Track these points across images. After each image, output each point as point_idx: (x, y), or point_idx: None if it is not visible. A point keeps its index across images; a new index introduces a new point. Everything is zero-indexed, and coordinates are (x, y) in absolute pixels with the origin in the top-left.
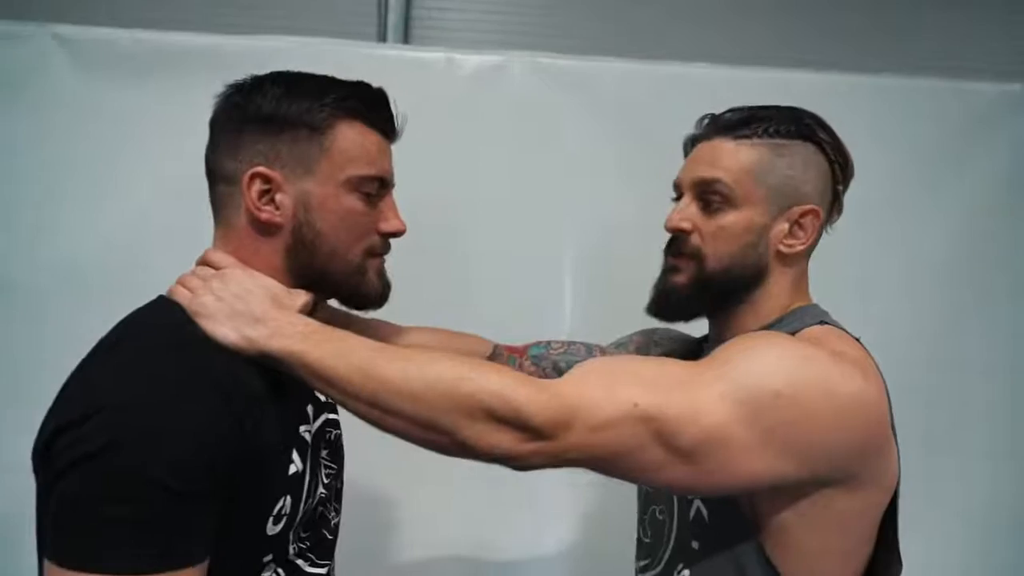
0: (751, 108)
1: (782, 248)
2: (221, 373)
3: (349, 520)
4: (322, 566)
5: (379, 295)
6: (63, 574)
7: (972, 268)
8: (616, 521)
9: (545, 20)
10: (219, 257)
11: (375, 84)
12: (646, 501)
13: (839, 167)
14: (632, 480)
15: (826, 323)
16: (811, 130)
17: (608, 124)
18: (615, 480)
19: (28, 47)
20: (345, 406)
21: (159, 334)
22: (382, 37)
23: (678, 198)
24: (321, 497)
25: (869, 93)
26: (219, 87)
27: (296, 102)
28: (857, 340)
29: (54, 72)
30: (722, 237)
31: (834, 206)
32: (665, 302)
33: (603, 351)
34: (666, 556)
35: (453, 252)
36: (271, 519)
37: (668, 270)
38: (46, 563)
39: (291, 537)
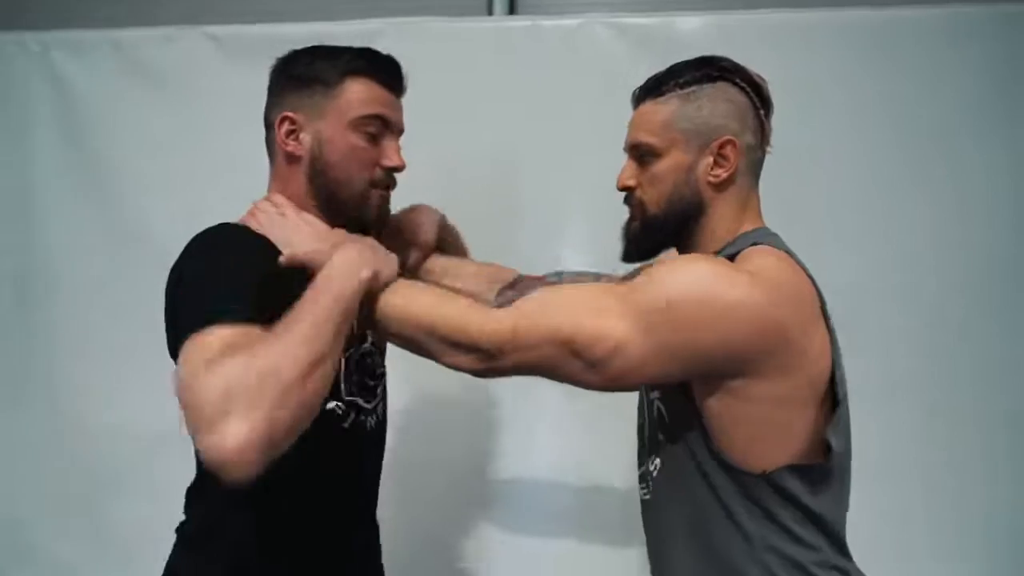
0: (665, 70)
1: (711, 179)
2: (267, 245)
3: None
4: (371, 404)
5: (376, 221)
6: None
7: None
8: None
9: None
10: (279, 199)
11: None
12: (638, 413)
13: (755, 96)
14: (563, 382)
15: (759, 243)
16: (718, 71)
17: None
18: None
19: (183, 45)
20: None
21: (228, 227)
22: (489, 10)
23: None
24: (365, 349)
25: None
26: None
27: (317, 65)
28: (789, 254)
29: (206, 65)
30: (655, 183)
31: (762, 130)
32: (628, 245)
33: (609, 279)
34: (645, 449)
35: (542, 187)
36: None
37: (627, 220)
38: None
39: (344, 380)
